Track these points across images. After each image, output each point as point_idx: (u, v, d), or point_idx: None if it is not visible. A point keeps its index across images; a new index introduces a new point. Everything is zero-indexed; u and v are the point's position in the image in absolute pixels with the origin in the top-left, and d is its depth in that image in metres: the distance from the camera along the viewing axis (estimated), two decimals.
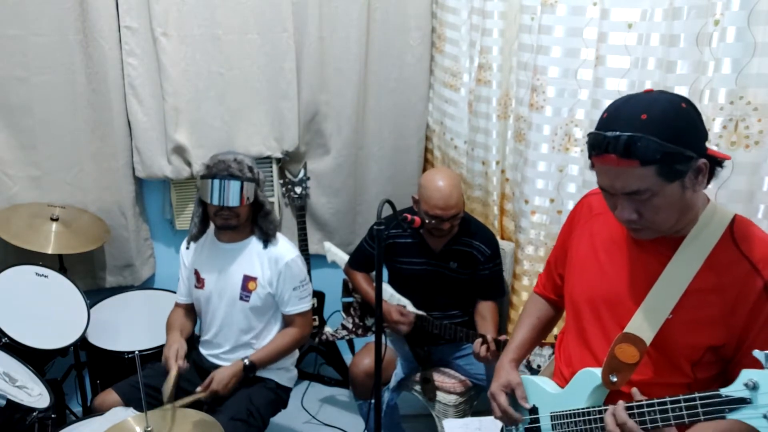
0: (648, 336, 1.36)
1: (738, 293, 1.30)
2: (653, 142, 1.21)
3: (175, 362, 2.25)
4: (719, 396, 1.17)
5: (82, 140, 2.87)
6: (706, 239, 1.33)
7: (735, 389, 1.15)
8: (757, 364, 1.14)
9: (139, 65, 2.81)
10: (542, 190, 2.45)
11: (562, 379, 1.58)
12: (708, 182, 1.31)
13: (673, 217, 1.32)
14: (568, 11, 2.21)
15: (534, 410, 1.60)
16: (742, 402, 1.14)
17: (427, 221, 2.43)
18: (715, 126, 1.71)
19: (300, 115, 3.08)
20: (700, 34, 1.74)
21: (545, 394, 1.58)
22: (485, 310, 2.56)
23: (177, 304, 2.55)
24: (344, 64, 3.07)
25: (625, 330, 1.39)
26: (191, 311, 2.55)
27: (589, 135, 1.31)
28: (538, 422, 1.58)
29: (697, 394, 1.21)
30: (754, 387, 1.12)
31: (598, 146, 1.27)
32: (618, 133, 1.24)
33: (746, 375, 1.14)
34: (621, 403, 1.31)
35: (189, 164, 2.97)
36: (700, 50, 1.75)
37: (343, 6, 2.99)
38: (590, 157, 1.32)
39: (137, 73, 2.82)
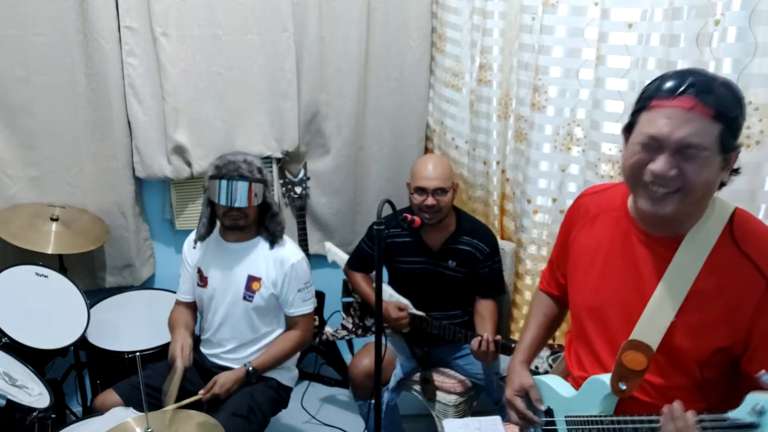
0: (654, 341, 1.34)
1: (741, 294, 1.28)
2: (731, 99, 1.20)
3: (181, 358, 2.26)
4: (726, 419, 1.16)
5: (82, 140, 2.87)
6: (706, 238, 1.31)
7: (742, 415, 1.14)
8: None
9: (139, 65, 2.81)
10: (544, 190, 2.45)
11: (574, 382, 1.57)
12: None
13: (700, 195, 1.27)
14: (569, 11, 2.22)
15: (549, 412, 1.59)
16: (751, 427, 1.13)
17: (415, 201, 2.48)
18: None
19: (300, 115, 3.08)
20: (700, 34, 1.74)
21: (559, 397, 1.57)
22: (484, 309, 2.56)
23: (178, 302, 2.55)
24: (344, 64, 3.07)
25: (631, 337, 1.37)
26: (192, 309, 2.55)
27: (652, 84, 1.28)
28: (554, 425, 1.58)
29: (705, 416, 1.19)
30: (761, 413, 1.11)
31: (676, 86, 1.22)
32: (699, 79, 1.21)
33: (753, 400, 1.13)
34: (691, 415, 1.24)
35: (189, 164, 2.97)
36: (700, 50, 1.75)
37: (343, 6, 2.99)
38: (649, 103, 1.26)
39: (137, 73, 2.82)
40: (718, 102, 1.19)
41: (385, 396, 2.57)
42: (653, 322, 1.35)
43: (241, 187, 2.23)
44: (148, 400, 1.82)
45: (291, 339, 2.43)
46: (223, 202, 2.24)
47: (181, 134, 2.92)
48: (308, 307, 2.44)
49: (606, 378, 1.42)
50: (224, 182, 2.22)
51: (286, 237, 2.43)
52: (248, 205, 2.26)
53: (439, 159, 2.59)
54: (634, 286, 1.40)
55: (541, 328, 1.76)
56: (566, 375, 1.63)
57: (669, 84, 1.23)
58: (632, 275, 1.41)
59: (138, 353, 1.83)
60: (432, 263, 2.58)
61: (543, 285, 1.80)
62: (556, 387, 1.59)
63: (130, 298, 3.01)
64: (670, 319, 1.33)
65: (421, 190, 2.46)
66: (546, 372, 2.03)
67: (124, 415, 2.10)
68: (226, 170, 2.24)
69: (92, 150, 2.89)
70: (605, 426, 1.42)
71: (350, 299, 2.80)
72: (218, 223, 2.41)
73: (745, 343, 1.31)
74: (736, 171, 1.29)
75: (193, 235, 2.47)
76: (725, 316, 1.30)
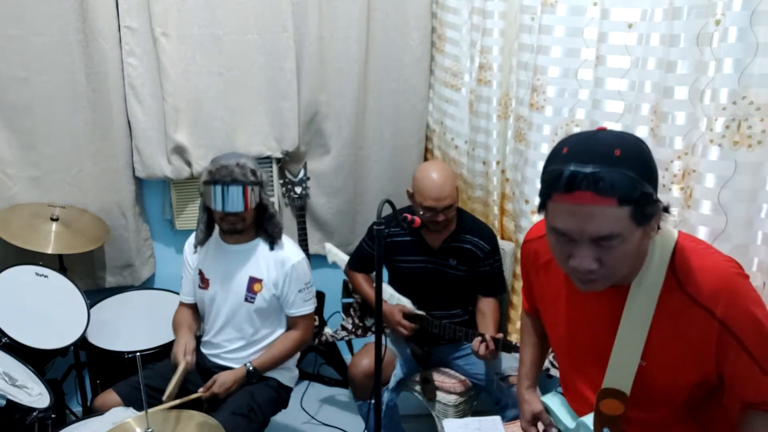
0: (626, 386, 1.33)
1: (698, 338, 1.26)
2: (633, 178, 1.11)
3: (183, 357, 2.26)
4: None
5: (82, 140, 2.87)
6: (651, 285, 1.27)
7: None
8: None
9: (139, 65, 2.81)
10: None
11: (571, 405, 1.58)
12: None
13: (629, 266, 1.24)
14: (569, 11, 2.21)
15: None
16: None
17: (421, 213, 2.44)
18: (717, 126, 1.71)
19: (300, 115, 3.08)
20: (700, 34, 1.74)
21: (564, 426, 1.57)
22: (485, 307, 2.57)
23: (182, 304, 2.55)
24: (344, 64, 3.07)
25: (604, 385, 1.36)
26: (196, 310, 2.55)
27: (550, 171, 1.17)
28: None
29: None
30: None
31: (570, 182, 1.12)
32: (594, 167, 1.11)
33: None
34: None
35: (189, 164, 2.97)
36: (700, 50, 1.75)
37: (343, 6, 2.99)
38: (550, 195, 1.17)
39: (137, 73, 2.82)
40: (619, 188, 1.11)
41: (385, 396, 2.57)
42: (621, 369, 1.33)
43: (236, 191, 2.21)
44: (148, 400, 1.82)
45: (291, 339, 2.43)
46: (219, 207, 2.23)
47: (181, 134, 2.92)
48: (309, 307, 2.44)
49: (590, 425, 1.42)
50: (218, 188, 2.20)
51: (285, 237, 2.43)
52: (245, 210, 2.25)
53: (445, 174, 2.47)
54: (600, 330, 1.37)
55: (537, 348, 1.76)
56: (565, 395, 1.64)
57: (564, 177, 1.13)
58: (594, 320, 1.39)
59: (138, 353, 1.83)
60: (432, 262, 2.58)
61: (524, 305, 1.77)
62: (559, 414, 1.58)
63: (130, 298, 3.01)
64: (636, 364, 1.31)
65: (432, 209, 2.44)
66: (547, 369, 2.04)
67: (124, 415, 2.09)
68: (220, 175, 2.21)
69: (92, 150, 2.89)
70: None
71: (350, 300, 2.80)
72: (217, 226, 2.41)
73: (718, 376, 1.29)
74: (667, 210, 1.22)
75: (193, 238, 2.47)
76: (689, 356, 1.28)
